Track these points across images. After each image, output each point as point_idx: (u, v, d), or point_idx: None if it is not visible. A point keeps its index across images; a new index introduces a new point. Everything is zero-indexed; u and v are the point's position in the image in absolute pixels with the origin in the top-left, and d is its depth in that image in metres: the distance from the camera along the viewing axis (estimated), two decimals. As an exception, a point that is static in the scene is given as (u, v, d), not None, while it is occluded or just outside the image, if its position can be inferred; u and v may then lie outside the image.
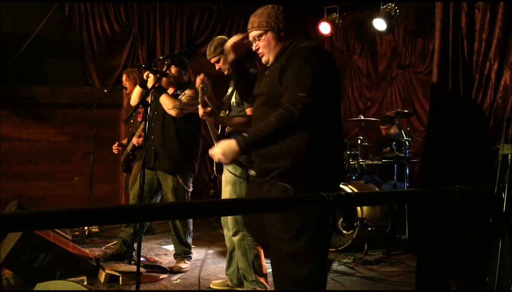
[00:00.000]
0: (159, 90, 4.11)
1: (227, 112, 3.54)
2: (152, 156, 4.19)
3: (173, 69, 4.17)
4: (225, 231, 3.64)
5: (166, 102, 4.07)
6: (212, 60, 3.56)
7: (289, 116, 2.26)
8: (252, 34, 2.55)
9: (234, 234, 3.49)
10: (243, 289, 3.53)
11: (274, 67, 2.50)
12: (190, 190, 4.30)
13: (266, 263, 3.38)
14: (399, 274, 4.20)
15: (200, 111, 3.39)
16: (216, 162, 3.54)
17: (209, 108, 3.39)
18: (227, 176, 3.49)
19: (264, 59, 2.57)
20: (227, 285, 3.72)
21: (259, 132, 2.31)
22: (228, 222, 3.54)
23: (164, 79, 4.16)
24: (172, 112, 4.04)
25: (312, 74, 2.32)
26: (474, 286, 2.92)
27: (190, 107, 4.06)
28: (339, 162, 2.59)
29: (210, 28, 7.01)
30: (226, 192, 3.48)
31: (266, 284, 3.49)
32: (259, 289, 3.43)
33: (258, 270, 3.46)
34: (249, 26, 2.57)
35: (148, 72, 4.19)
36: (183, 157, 4.18)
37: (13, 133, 5.94)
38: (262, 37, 2.51)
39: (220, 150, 2.33)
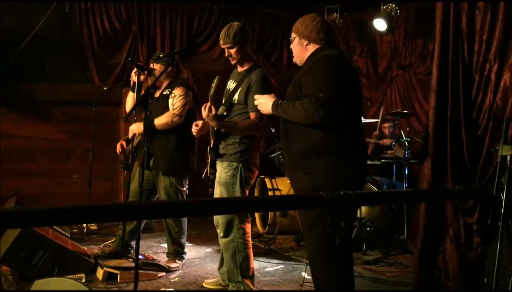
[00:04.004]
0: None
1: (226, 108, 3.46)
2: (146, 156, 4.16)
3: (157, 67, 4.11)
4: (218, 231, 3.61)
5: (163, 123, 4.03)
6: (226, 46, 3.40)
7: (310, 109, 2.52)
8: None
9: (225, 236, 3.47)
10: (234, 290, 3.51)
11: (300, 72, 2.76)
12: (185, 188, 4.23)
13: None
14: (398, 274, 4.21)
15: (204, 113, 3.29)
16: (211, 162, 3.52)
17: (213, 113, 3.27)
18: (218, 176, 3.44)
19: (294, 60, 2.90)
20: (220, 284, 3.73)
21: (287, 110, 2.65)
22: (219, 223, 3.50)
23: (150, 78, 4.11)
24: (175, 122, 4.03)
25: (332, 78, 2.59)
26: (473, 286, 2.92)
27: (185, 107, 4.06)
28: (363, 162, 2.84)
29: (210, 27, 7.00)
30: (217, 193, 3.45)
31: (251, 286, 3.47)
32: (243, 289, 3.43)
33: (245, 272, 3.44)
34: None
35: (135, 69, 4.12)
36: (177, 157, 4.12)
37: (12, 131, 5.92)
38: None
39: (262, 99, 2.79)
